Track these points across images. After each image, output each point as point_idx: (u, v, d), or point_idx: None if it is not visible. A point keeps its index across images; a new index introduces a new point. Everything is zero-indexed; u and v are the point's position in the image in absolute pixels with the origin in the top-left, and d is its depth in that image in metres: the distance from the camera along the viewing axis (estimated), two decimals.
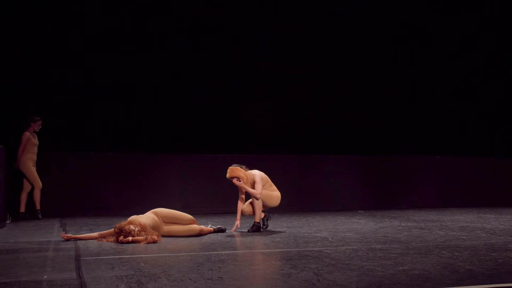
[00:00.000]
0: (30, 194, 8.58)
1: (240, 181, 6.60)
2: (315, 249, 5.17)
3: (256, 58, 10.86)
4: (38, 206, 8.58)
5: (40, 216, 8.53)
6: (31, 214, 8.55)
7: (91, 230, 6.67)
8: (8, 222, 8.01)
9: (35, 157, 8.59)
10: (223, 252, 5.03)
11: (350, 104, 11.57)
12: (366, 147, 11.43)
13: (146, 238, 5.60)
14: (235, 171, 6.64)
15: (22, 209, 8.50)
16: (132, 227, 5.68)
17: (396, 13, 11.86)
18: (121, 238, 5.63)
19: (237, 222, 6.79)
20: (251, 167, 6.87)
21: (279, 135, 10.91)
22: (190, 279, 3.72)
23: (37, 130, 8.65)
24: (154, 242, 5.63)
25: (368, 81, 11.72)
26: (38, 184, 8.57)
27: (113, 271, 4.04)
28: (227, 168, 6.73)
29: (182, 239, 6.04)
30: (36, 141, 8.62)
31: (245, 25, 10.80)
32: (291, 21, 11.15)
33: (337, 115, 11.41)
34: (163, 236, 6.08)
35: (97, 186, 9.45)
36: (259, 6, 10.94)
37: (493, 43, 12.63)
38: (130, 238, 5.58)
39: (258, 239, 6.05)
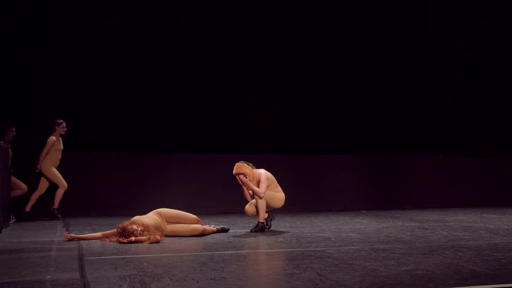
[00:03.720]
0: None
1: (246, 177, 6.61)
2: (318, 249, 5.16)
3: (258, 58, 10.86)
4: (56, 205, 8.55)
5: (59, 215, 8.50)
6: (49, 213, 8.52)
7: (94, 230, 6.67)
8: (11, 222, 8.03)
9: (57, 162, 8.58)
10: (226, 252, 5.03)
11: (353, 104, 11.56)
12: (369, 147, 11.42)
13: (149, 238, 5.61)
14: (242, 167, 6.65)
15: (28, 208, 8.47)
16: (134, 227, 5.69)
17: (396, 14, 11.87)
18: (123, 238, 5.64)
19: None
20: (256, 166, 6.88)
21: (282, 135, 10.90)
22: (193, 279, 3.72)
23: (63, 133, 8.59)
24: (157, 242, 5.63)
25: (372, 81, 11.71)
26: (64, 184, 8.56)
27: (116, 271, 4.04)
28: (231, 168, 6.73)
29: (185, 239, 6.04)
30: (61, 146, 8.59)
31: (246, 25, 10.80)
32: (291, 22, 11.15)
33: (340, 115, 11.40)
34: (167, 236, 6.09)
35: (100, 186, 9.46)
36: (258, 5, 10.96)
37: (495, 43, 12.62)
38: (133, 238, 5.59)
39: (261, 239, 6.05)
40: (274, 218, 7.08)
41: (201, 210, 8.97)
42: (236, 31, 10.74)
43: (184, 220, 6.32)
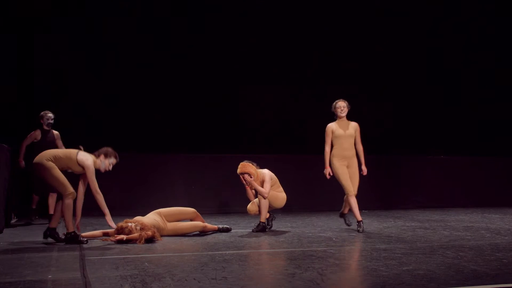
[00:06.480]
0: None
1: (251, 177, 6.63)
2: (319, 249, 5.17)
3: (258, 58, 10.86)
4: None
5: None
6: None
7: (95, 230, 6.66)
8: (13, 221, 8.02)
9: (343, 152, 7.92)
10: (227, 252, 5.03)
11: (354, 104, 11.52)
12: (370, 147, 11.38)
13: (140, 235, 5.61)
14: (247, 167, 6.68)
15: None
16: (130, 224, 5.76)
17: (396, 15, 11.87)
18: (114, 236, 5.67)
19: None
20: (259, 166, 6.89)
21: (283, 135, 10.89)
22: (194, 279, 3.72)
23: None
24: (150, 238, 5.65)
25: (373, 80, 11.70)
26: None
27: (118, 271, 4.05)
28: (232, 168, 6.75)
29: (186, 238, 6.05)
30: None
31: (245, 25, 10.81)
32: (290, 21, 11.15)
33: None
34: (168, 235, 6.12)
35: (101, 186, 9.41)
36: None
37: (495, 43, 12.62)
38: (124, 237, 5.59)
39: (262, 239, 6.05)
40: (275, 218, 7.10)
41: (203, 210, 8.94)
42: (234, 30, 10.73)
43: (183, 216, 6.45)
